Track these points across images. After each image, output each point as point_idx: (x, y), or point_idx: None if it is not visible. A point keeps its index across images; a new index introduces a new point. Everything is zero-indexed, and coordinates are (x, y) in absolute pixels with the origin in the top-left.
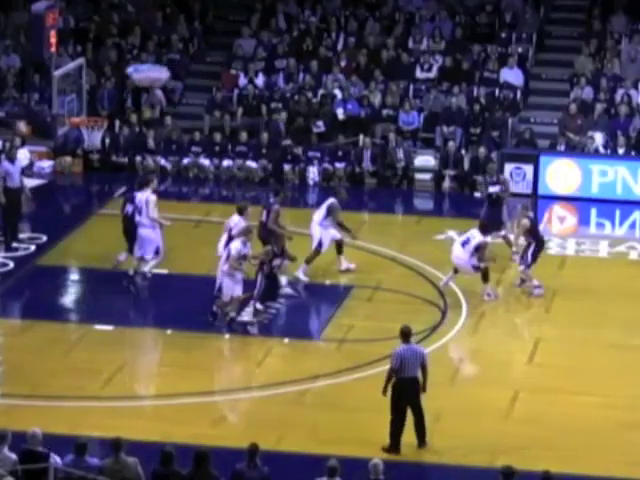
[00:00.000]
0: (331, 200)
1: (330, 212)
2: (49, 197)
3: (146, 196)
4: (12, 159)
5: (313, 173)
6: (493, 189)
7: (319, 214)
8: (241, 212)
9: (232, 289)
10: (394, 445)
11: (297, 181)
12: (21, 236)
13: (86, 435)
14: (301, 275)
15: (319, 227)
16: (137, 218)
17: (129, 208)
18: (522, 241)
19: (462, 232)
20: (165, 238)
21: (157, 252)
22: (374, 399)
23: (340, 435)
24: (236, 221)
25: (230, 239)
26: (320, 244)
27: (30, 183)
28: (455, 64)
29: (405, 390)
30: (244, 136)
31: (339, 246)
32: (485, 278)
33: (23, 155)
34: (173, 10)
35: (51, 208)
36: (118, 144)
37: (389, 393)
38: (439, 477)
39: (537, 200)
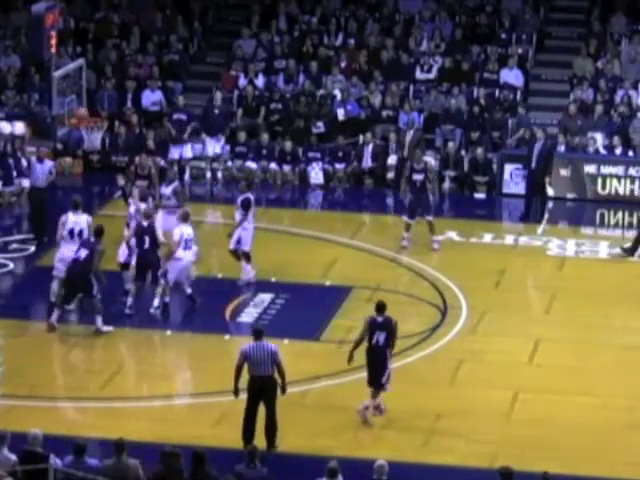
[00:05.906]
0: None
1: None
2: (49, 198)
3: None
4: (41, 159)
5: (316, 174)
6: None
7: None
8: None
9: None
10: (246, 441)
11: (297, 182)
12: (23, 237)
13: (85, 436)
14: None
15: None
16: None
17: None
18: None
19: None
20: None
21: None
22: None
23: (340, 436)
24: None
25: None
26: None
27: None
28: (455, 65)
29: (257, 388)
30: (243, 137)
31: None
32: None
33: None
34: (173, 11)
35: (51, 209)
36: (117, 145)
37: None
38: (439, 477)
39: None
